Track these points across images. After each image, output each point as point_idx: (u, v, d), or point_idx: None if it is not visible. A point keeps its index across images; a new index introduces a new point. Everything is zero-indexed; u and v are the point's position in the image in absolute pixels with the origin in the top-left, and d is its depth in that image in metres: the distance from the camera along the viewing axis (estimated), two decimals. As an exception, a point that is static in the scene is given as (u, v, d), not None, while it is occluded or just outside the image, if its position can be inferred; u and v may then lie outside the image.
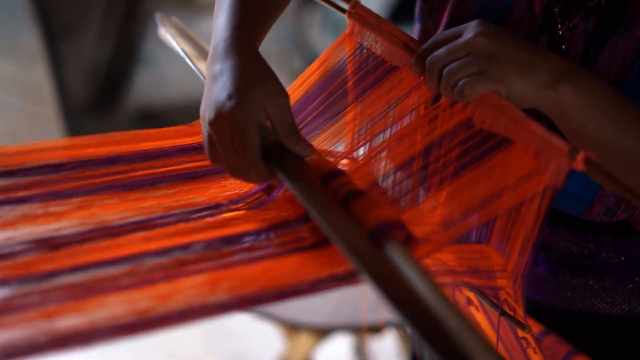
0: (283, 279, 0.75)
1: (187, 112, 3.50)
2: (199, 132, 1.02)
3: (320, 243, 0.82)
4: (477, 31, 0.85)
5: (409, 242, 0.79)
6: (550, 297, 1.10)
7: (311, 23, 4.58)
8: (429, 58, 0.87)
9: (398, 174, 0.95)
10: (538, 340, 0.95)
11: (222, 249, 0.80)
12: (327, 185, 0.85)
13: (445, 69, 0.85)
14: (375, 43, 1.00)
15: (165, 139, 1.02)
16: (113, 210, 0.86)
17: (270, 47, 4.38)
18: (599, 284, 1.07)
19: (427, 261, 0.85)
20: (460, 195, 0.87)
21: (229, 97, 0.86)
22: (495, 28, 0.86)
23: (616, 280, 1.06)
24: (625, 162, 0.87)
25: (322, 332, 2.20)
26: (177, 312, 0.70)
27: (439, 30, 1.13)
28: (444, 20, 1.12)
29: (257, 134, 0.85)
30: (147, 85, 3.96)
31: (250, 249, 0.81)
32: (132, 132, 1.01)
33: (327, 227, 0.76)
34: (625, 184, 0.75)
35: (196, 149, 1.01)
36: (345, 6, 1.05)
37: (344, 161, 1.02)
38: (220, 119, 0.85)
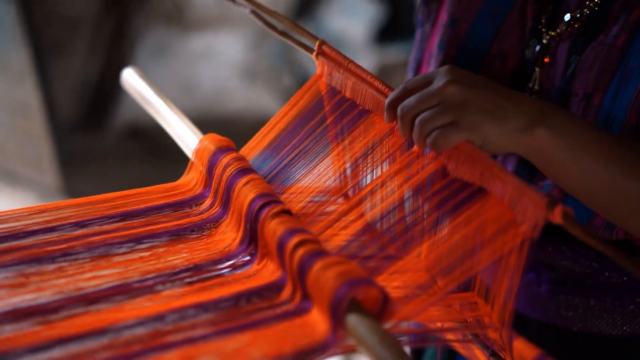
0: (263, 354, 0.72)
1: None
2: (179, 191, 1.01)
3: (301, 310, 0.79)
4: (448, 79, 0.83)
5: (384, 305, 0.76)
6: (550, 317, 1.10)
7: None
8: (399, 107, 0.86)
9: (383, 221, 0.93)
10: None
11: (199, 317, 0.78)
12: (286, 246, 0.82)
13: (417, 119, 0.84)
14: (344, 86, 0.98)
15: (146, 198, 1.00)
16: (89, 275, 0.84)
17: (260, 64, 4.40)
18: (600, 304, 1.07)
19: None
20: (441, 249, 0.86)
21: None
22: (466, 74, 0.85)
23: (617, 301, 1.06)
24: (611, 192, 0.86)
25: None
26: None
27: (437, 32, 1.15)
28: (444, 21, 1.14)
29: None
30: (136, 103, 3.96)
31: (228, 316, 0.78)
32: (105, 195, 0.99)
33: None
34: (601, 238, 0.74)
35: (175, 206, 0.99)
36: (313, 46, 1.02)
37: (339, 200, 1.00)
38: None
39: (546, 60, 1.04)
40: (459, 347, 0.94)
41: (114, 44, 4.07)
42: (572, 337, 1.09)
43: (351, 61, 0.97)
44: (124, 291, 0.82)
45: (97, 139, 4.04)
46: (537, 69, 1.05)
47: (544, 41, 1.04)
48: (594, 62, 0.99)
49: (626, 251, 0.72)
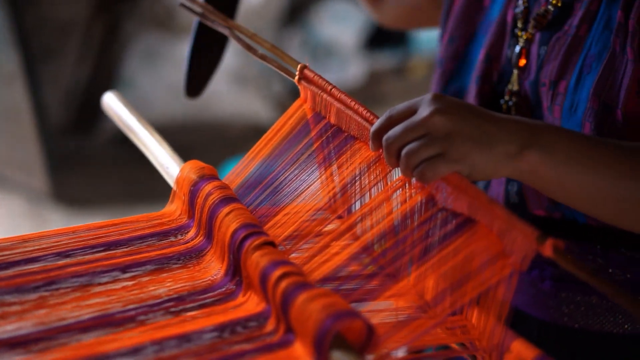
0: None
1: (165, 135, 3.50)
2: (163, 220, 1.00)
3: (284, 343, 0.78)
4: (433, 108, 0.82)
5: (369, 337, 0.75)
6: (552, 314, 1.10)
7: (290, 46, 4.60)
8: (385, 137, 0.85)
9: (372, 249, 0.92)
10: None
11: (181, 348, 0.77)
12: (269, 278, 0.82)
13: (404, 150, 0.83)
14: (329, 111, 0.97)
15: (130, 228, 0.99)
16: (71, 306, 0.83)
17: (250, 69, 4.40)
18: (602, 302, 1.07)
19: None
20: (431, 277, 0.85)
21: None
22: (450, 102, 0.83)
23: None
24: (614, 199, 0.87)
25: None
26: None
27: (441, 50, 1.20)
28: (444, 40, 1.19)
29: None
30: (126, 107, 3.95)
31: (210, 348, 0.77)
32: (88, 225, 0.98)
33: None
34: (591, 270, 0.74)
35: (159, 235, 0.98)
36: (295, 71, 0.99)
37: (335, 221, 0.99)
38: None
39: (523, 61, 1.07)
40: None
41: (104, 48, 4.06)
42: (572, 335, 1.10)
43: (334, 87, 0.95)
44: (106, 322, 0.81)
45: (86, 143, 4.03)
46: (515, 71, 1.08)
47: (521, 44, 1.07)
48: (559, 52, 1.02)
49: (627, 292, 0.71)
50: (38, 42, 3.81)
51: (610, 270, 1.05)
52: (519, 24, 1.08)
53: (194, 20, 1.12)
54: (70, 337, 0.79)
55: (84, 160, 3.91)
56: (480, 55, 1.14)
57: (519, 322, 1.14)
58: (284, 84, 4.24)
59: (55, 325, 0.80)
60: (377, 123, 0.87)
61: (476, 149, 0.82)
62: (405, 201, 0.88)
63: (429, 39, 4.96)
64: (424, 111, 0.83)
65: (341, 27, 4.69)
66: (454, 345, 0.88)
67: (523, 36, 1.07)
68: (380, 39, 4.72)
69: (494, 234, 0.79)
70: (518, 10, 1.09)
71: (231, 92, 4.38)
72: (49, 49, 3.96)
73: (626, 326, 1.07)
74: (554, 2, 1.05)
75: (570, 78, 1.01)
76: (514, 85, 1.08)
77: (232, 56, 4.48)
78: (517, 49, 1.08)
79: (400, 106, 0.86)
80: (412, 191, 0.87)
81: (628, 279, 1.05)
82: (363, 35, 4.70)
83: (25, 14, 3.57)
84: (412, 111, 0.84)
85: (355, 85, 4.40)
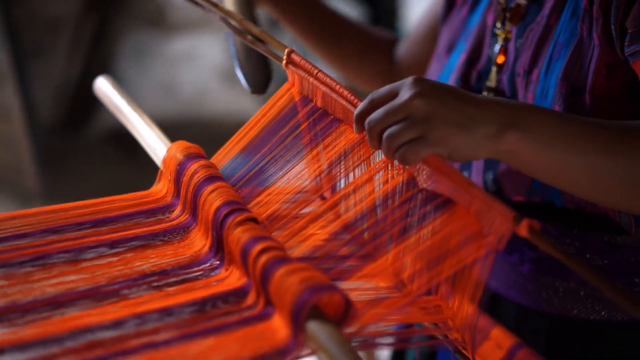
0: (224, 358, 0.73)
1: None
2: (150, 199, 1.02)
3: (264, 316, 0.80)
4: (413, 92, 0.83)
5: (346, 310, 0.77)
6: (530, 299, 1.12)
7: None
8: (367, 121, 0.86)
9: (353, 227, 0.93)
10: (511, 354, 0.96)
11: (163, 322, 0.78)
12: (249, 253, 0.83)
13: (385, 133, 0.84)
14: (315, 95, 0.98)
15: (118, 206, 1.00)
16: (55, 281, 0.85)
17: (240, 67, 4.39)
18: (580, 288, 1.08)
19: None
20: (409, 255, 0.87)
21: None
22: (431, 85, 0.84)
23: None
24: (593, 176, 0.87)
25: None
26: None
27: (433, 58, 1.24)
28: (434, 57, 1.24)
29: None
30: (116, 105, 3.95)
31: (191, 321, 0.79)
32: (77, 203, 0.99)
33: None
34: (565, 252, 0.74)
35: (147, 213, 0.99)
36: (283, 55, 1.01)
37: (311, 205, 1.00)
38: None
39: (502, 58, 1.10)
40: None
41: (94, 46, 4.05)
42: (549, 320, 1.11)
43: (320, 70, 0.96)
44: (90, 295, 0.83)
45: (77, 142, 4.03)
46: (493, 68, 1.11)
47: (500, 42, 1.10)
48: (531, 42, 1.05)
49: (604, 276, 0.72)
50: (28, 39, 3.80)
51: (587, 256, 1.06)
52: (498, 24, 1.11)
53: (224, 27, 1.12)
54: (54, 311, 0.80)
55: (74, 158, 3.91)
56: (460, 59, 1.17)
57: (497, 306, 1.15)
58: (274, 82, 4.24)
59: (40, 299, 0.81)
60: (360, 106, 0.88)
61: (456, 132, 0.83)
62: (387, 182, 0.89)
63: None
64: (404, 94, 0.84)
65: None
66: (426, 325, 0.90)
67: (502, 34, 1.10)
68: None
69: (472, 215, 0.80)
70: (496, 11, 1.13)
71: (222, 90, 4.38)
72: (39, 46, 3.95)
73: (603, 313, 1.08)
74: None
75: (542, 66, 1.03)
76: (492, 82, 1.10)
77: (222, 55, 4.47)
78: (497, 47, 1.11)
79: (382, 89, 0.87)
80: (394, 172, 0.88)
81: (605, 264, 1.07)
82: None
83: (15, 11, 3.56)
84: (393, 94, 0.85)
85: (343, 82, 4.40)
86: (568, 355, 1.10)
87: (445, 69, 1.19)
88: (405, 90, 0.84)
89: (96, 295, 0.83)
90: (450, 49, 1.21)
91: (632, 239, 1.04)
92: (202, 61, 4.41)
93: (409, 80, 0.85)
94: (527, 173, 0.91)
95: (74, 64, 4.00)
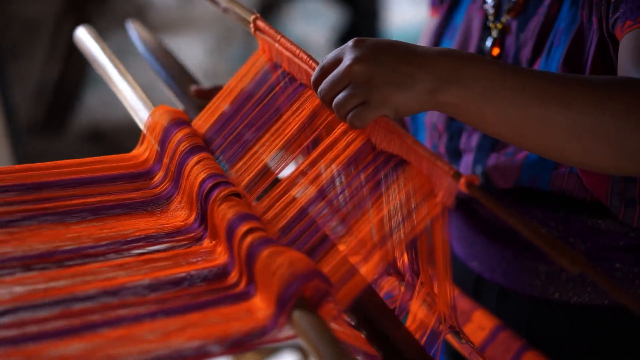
0: (204, 335, 0.74)
1: (136, 133, 3.48)
2: (132, 162, 1.02)
3: (245, 295, 0.80)
4: (352, 57, 0.85)
5: (325, 294, 0.78)
6: (513, 282, 1.13)
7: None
8: (318, 90, 0.89)
9: (318, 201, 0.94)
10: (493, 336, 0.96)
11: (146, 296, 0.79)
12: (235, 232, 0.84)
13: (333, 102, 0.87)
14: (282, 60, 1.00)
15: (100, 167, 1.00)
16: (40, 239, 0.85)
17: (221, 67, 4.39)
18: (562, 272, 1.09)
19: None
20: (374, 221, 0.87)
21: None
22: (370, 47, 0.86)
23: None
24: (537, 128, 0.87)
25: (268, 351, 2.20)
26: None
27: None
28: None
29: None
30: (96, 105, 3.93)
31: (174, 296, 0.79)
32: (59, 162, 0.99)
33: None
34: (507, 210, 0.75)
35: (129, 177, 1.00)
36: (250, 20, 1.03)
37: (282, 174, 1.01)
38: None
39: (497, 50, 1.12)
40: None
41: (73, 47, 4.03)
42: (531, 303, 1.13)
43: (283, 36, 0.99)
44: (76, 256, 0.84)
45: (56, 142, 4.01)
46: None
47: (494, 35, 1.12)
48: (533, 33, 1.07)
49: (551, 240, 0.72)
50: (6, 40, 3.78)
51: (570, 240, 1.08)
52: (491, 18, 1.13)
53: None
54: (44, 271, 0.81)
55: (53, 159, 3.87)
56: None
57: (480, 289, 1.16)
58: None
59: (27, 255, 0.82)
60: (313, 75, 0.90)
61: (396, 91, 0.84)
62: (348, 146, 0.90)
63: (401, 36, 4.98)
64: (346, 60, 0.86)
65: (312, 25, 4.70)
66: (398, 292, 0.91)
67: (498, 26, 1.11)
68: (352, 36, 4.72)
69: (424, 174, 0.82)
70: (489, 5, 1.14)
71: (202, 90, 4.36)
72: (17, 47, 3.93)
73: (585, 296, 1.10)
74: None
75: (543, 54, 1.05)
76: None
77: (203, 55, 4.46)
78: (490, 40, 1.13)
79: (329, 56, 0.89)
80: (353, 136, 0.90)
81: (587, 248, 1.08)
82: (334, 33, 4.70)
83: (-8, 12, 3.53)
84: (339, 60, 0.87)
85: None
86: (549, 338, 1.11)
87: None
88: (347, 55, 0.86)
89: (84, 256, 0.84)
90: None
91: (615, 224, 1.05)
92: (182, 61, 4.39)
93: (349, 44, 0.87)
94: (474, 126, 0.91)
95: (53, 65, 3.97)
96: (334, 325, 0.79)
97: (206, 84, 1.17)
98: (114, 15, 4.24)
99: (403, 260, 0.91)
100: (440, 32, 1.23)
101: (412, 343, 0.84)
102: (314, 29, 4.69)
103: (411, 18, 4.89)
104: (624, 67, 0.92)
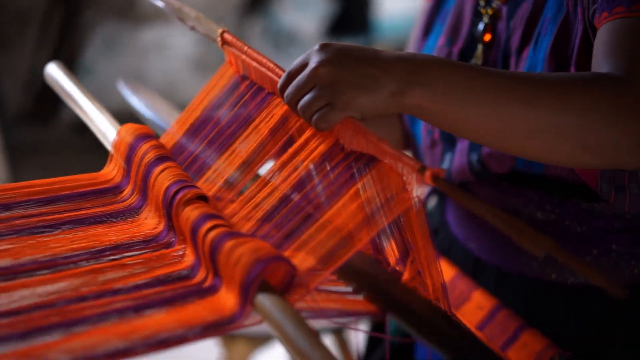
0: (174, 327, 0.76)
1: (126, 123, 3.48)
2: (101, 180, 1.04)
3: (212, 288, 0.82)
4: (317, 60, 0.87)
5: (290, 280, 0.80)
6: (510, 263, 1.14)
7: (252, 35, 4.59)
8: (285, 95, 0.90)
9: (287, 202, 0.95)
10: (491, 315, 0.97)
11: (116, 296, 0.80)
12: (199, 231, 0.86)
13: (298, 105, 0.88)
14: (249, 71, 1.01)
15: (70, 185, 1.01)
16: (11, 252, 0.86)
17: (211, 56, 4.38)
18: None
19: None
20: (345, 215, 0.89)
21: None
22: (335, 51, 0.88)
23: (575, 252, 1.09)
24: (500, 127, 0.88)
25: (260, 339, 2.20)
26: None
27: (410, 44, 1.28)
28: (416, 35, 1.27)
29: None
30: (86, 96, 3.92)
31: (142, 296, 0.81)
32: (30, 182, 1.00)
33: None
34: (472, 199, 0.76)
35: (98, 193, 1.01)
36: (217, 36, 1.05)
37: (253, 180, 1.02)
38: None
39: (489, 36, 1.12)
40: None
41: (63, 37, 4.03)
42: (529, 284, 1.13)
43: (249, 47, 1.00)
44: (48, 266, 0.85)
45: (45, 132, 4.00)
46: (479, 46, 1.13)
47: (485, 20, 1.12)
48: (522, 21, 1.08)
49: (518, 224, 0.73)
50: (-5, 30, 3.76)
51: (566, 222, 1.09)
52: (482, 2, 1.13)
53: None
54: (13, 280, 0.82)
55: (42, 149, 3.88)
56: (439, 41, 1.19)
57: (477, 271, 1.17)
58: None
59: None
60: (280, 80, 0.91)
61: (360, 94, 0.86)
62: (317, 147, 0.92)
63: (392, 26, 4.98)
64: (311, 64, 0.87)
65: (303, 14, 4.69)
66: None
67: (489, 12, 1.12)
68: (343, 26, 4.72)
69: (394, 170, 0.83)
70: None
71: (193, 79, 4.36)
72: (7, 37, 3.92)
73: (580, 278, 1.11)
74: None
75: (531, 43, 1.06)
76: (479, 60, 1.13)
77: (193, 44, 4.46)
78: (482, 25, 1.12)
79: (296, 61, 0.90)
80: (322, 138, 0.92)
81: (583, 231, 1.09)
82: (325, 23, 4.70)
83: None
84: (304, 65, 0.89)
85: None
86: (546, 319, 1.12)
87: (424, 52, 1.21)
88: (312, 59, 0.87)
89: (54, 266, 0.85)
90: (427, 32, 1.23)
91: (610, 207, 1.06)
92: (172, 51, 4.39)
93: (315, 48, 0.88)
94: (438, 126, 0.93)
95: (43, 56, 3.97)
96: (327, 303, 0.82)
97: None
98: (103, 5, 4.23)
99: (392, 249, 0.92)
100: (432, 17, 1.24)
101: (412, 293, 0.85)
102: (305, 18, 4.69)
103: (402, 7, 4.89)
104: (596, 59, 0.94)
